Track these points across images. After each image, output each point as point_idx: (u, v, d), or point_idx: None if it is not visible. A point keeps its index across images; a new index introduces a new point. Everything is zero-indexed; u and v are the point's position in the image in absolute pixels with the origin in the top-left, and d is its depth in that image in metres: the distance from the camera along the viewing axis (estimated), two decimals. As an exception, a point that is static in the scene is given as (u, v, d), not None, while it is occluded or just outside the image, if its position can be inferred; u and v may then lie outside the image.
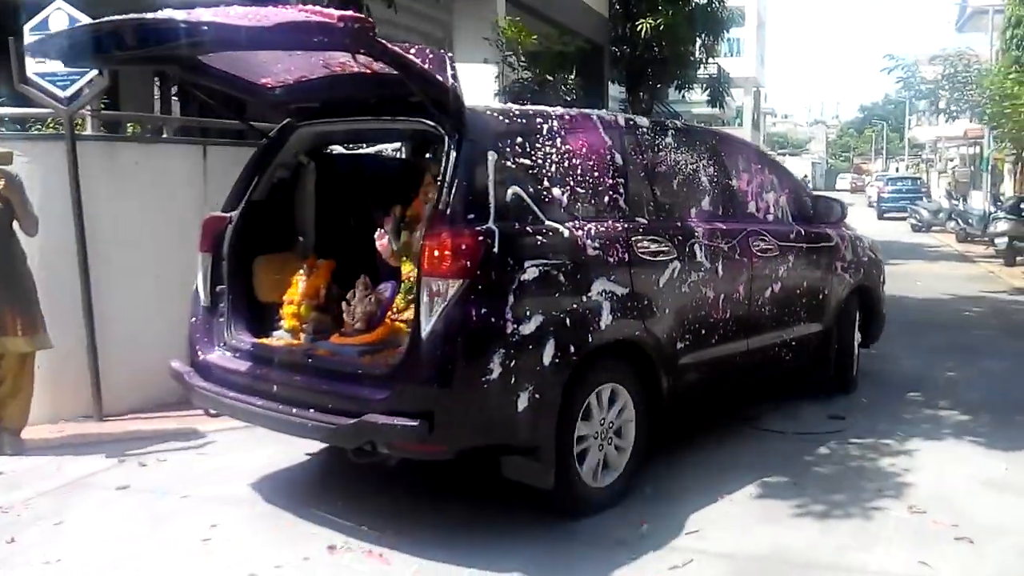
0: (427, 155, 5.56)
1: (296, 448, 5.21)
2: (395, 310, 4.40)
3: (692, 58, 18.06)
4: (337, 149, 5.45)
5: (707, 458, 5.11)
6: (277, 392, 4.09)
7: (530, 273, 3.85)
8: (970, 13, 25.40)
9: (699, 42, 18.17)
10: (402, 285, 4.39)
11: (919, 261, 16.95)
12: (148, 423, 5.69)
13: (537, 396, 3.79)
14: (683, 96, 19.37)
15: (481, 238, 3.73)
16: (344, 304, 4.44)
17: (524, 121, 4.25)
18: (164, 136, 7.12)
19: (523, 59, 10.75)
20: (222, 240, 4.57)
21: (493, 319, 3.69)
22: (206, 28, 3.55)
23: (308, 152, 4.85)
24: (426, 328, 3.65)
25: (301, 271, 4.63)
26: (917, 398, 6.61)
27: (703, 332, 4.92)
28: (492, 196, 3.86)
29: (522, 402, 3.75)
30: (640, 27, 15.49)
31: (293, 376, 4.14)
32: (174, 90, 11.29)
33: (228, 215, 4.62)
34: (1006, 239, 16.08)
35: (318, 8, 3.44)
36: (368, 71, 4.03)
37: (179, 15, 3.57)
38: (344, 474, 4.85)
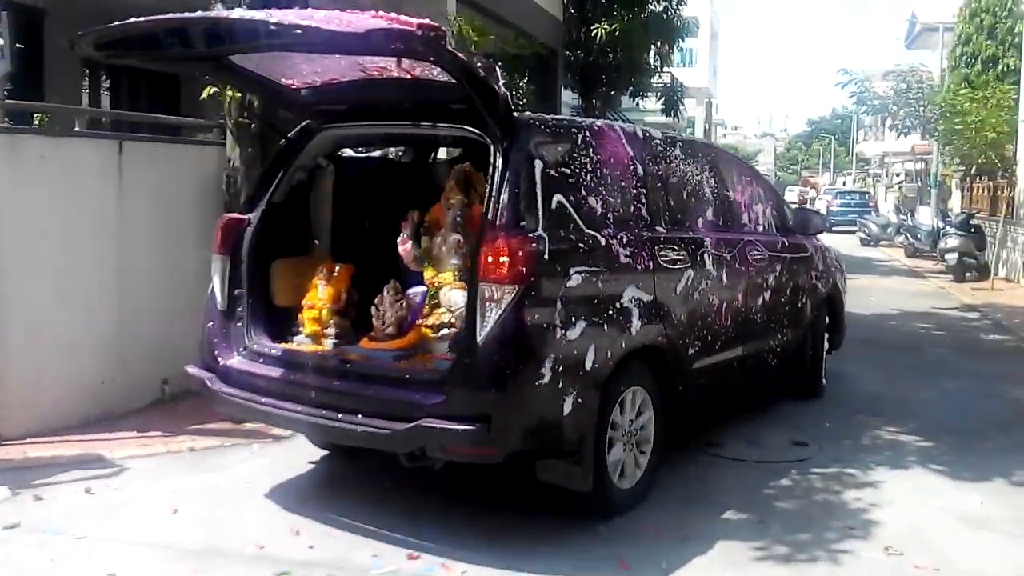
0: (430, 160, 5.65)
1: (214, 477, 4.75)
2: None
3: (647, 65, 17.84)
4: (346, 152, 5.38)
5: (669, 490, 4.73)
6: (316, 398, 4.04)
7: (575, 280, 4.00)
8: (920, 30, 25.63)
9: (654, 50, 18.00)
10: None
11: (870, 275, 16.89)
12: (50, 448, 5.12)
13: (580, 400, 3.91)
14: (637, 104, 19.14)
15: (534, 245, 3.83)
16: (374, 309, 4.44)
17: (561, 131, 4.38)
18: (76, 129, 6.57)
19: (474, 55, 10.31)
20: (240, 242, 4.49)
21: (544, 325, 3.82)
22: (299, 32, 3.43)
23: (326, 155, 4.83)
24: (482, 333, 3.71)
25: (321, 275, 4.56)
26: (878, 422, 6.35)
27: (709, 338, 5.09)
28: (540, 204, 3.95)
29: (567, 406, 3.86)
30: (595, 32, 15.21)
31: (332, 381, 4.12)
32: (106, 84, 10.72)
33: (247, 217, 4.55)
34: (956, 255, 16.05)
35: (394, 16, 3.46)
36: (408, 76, 4.08)
37: (260, 16, 3.55)
38: (271, 508, 4.39)
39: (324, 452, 5.09)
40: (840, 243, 24.91)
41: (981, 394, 7.40)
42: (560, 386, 3.82)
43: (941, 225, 20.15)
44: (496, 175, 3.89)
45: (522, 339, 3.75)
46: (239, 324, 4.43)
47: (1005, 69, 20.38)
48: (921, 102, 16.54)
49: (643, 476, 4.50)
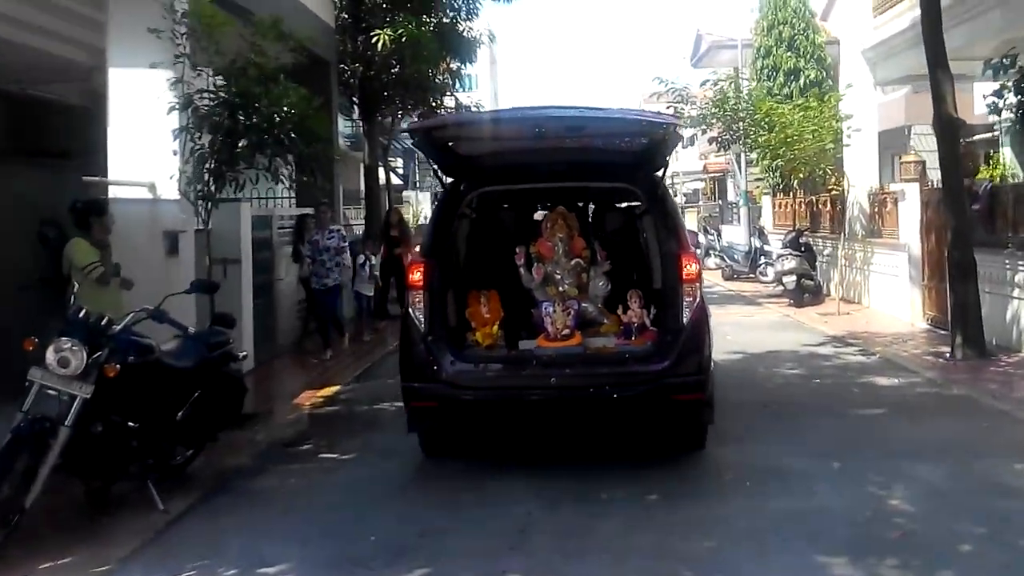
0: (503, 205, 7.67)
1: None
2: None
3: (436, 82, 15.45)
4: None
5: None
6: (556, 383, 5.73)
7: (704, 280, 6.17)
8: (707, 48, 24.92)
9: (443, 66, 15.72)
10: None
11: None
12: None
13: (712, 360, 5.92)
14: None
15: (698, 257, 6.30)
16: (547, 318, 6.13)
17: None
18: None
19: (217, 55, 7.37)
20: (433, 280, 5.86)
21: (705, 307, 5.88)
22: (650, 123, 6.00)
23: (472, 206, 6.67)
24: (685, 316, 5.65)
25: (481, 299, 6.29)
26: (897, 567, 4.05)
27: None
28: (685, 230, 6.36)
29: (711, 364, 5.87)
30: (376, 39, 12.53)
31: (564, 369, 5.83)
32: None
33: (434, 260, 5.94)
34: (795, 278, 14.54)
35: (648, 110, 6.93)
36: (578, 145, 6.33)
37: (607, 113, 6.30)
38: None
39: None
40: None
41: (974, 484, 5.41)
42: (710, 349, 5.83)
43: (759, 244, 18.97)
44: (659, 214, 6.12)
45: (706, 318, 5.79)
46: (440, 342, 5.76)
47: (807, 81, 19.68)
48: (740, 113, 15.06)
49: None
